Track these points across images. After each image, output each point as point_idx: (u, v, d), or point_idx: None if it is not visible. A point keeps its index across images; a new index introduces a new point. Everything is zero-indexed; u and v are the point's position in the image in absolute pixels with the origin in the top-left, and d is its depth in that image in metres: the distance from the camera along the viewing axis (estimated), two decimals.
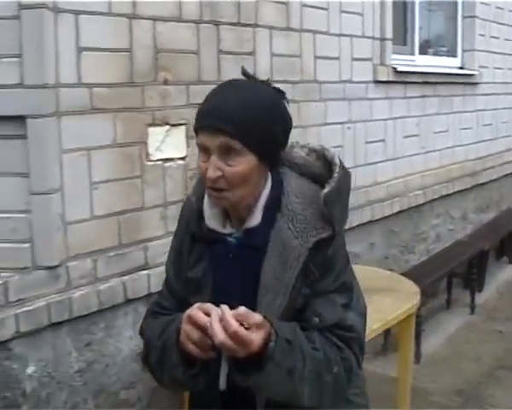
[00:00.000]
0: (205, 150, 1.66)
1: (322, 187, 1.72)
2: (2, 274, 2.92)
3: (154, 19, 3.33)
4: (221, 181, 1.64)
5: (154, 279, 3.28)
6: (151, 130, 3.33)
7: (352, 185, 1.82)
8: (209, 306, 1.57)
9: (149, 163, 3.32)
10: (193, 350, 1.59)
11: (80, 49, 3.03)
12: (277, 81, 3.89)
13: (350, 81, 4.85)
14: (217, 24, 3.64)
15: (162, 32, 3.36)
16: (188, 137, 3.49)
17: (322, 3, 4.49)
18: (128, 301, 3.24)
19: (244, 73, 1.77)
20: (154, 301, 2.01)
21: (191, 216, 1.82)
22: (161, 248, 3.30)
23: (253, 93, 1.68)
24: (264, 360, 1.54)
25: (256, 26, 3.90)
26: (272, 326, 1.56)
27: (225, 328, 1.46)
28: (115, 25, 3.17)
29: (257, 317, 1.52)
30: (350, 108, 4.87)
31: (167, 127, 3.40)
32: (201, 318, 1.55)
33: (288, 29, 4.18)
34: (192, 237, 1.80)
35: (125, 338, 3.29)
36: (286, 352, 1.57)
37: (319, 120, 4.51)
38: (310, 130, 4.36)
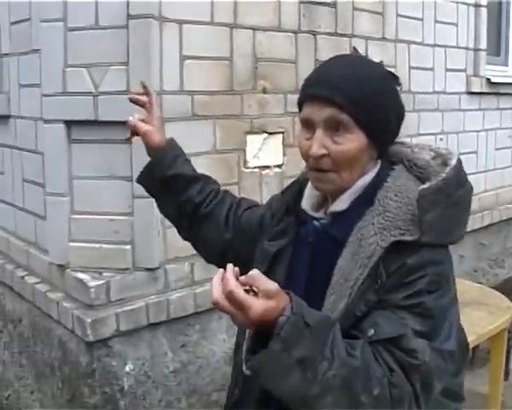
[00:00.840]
0: (308, 125, 1.47)
1: None
2: (105, 274, 3.02)
3: (254, 28, 3.38)
4: (326, 161, 1.44)
5: None
6: (249, 137, 3.38)
7: None
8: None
9: (247, 170, 3.37)
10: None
11: (183, 58, 3.11)
12: None
13: (443, 92, 4.79)
14: (314, 34, 3.67)
15: (261, 41, 3.41)
16: (284, 146, 3.52)
17: (417, 13, 4.46)
18: None
19: (355, 50, 1.64)
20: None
21: (293, 188, 1.66)
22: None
23: (366, 67, 1.49)
24: (270, 337, 1.23)
25: (352, 36, 3.90)
26: (291, 302, 1.26)
27: (223, 286, 1.22)
28: (217, 34, 3.24)
29: (270, 285, 1.24)
30: (443, 118, 4.82)
31: (265, 135, 3.45)
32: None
33: (384, 39, 4.17)
34: (286, 210, 1.63)
35: (219, 341, 3.35)
36: (301, 336, 1.23)
37: (412, 130, 4.47)
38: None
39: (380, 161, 1.55)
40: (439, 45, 4.71)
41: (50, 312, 3.30)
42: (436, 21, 4.67)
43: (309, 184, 1.59)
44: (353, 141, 1.43)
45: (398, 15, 4.26)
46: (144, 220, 3.01)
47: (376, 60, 1.58)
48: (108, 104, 3.01)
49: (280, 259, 1.57)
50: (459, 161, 1.48)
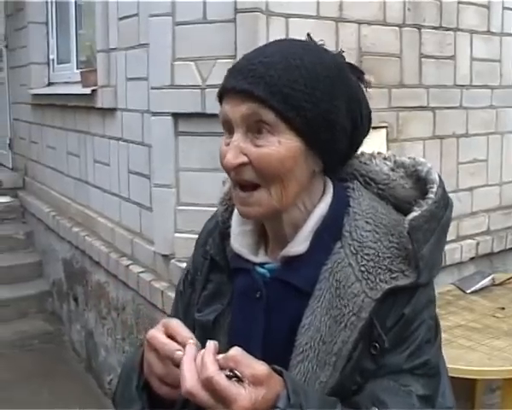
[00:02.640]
0: (228, 128, 1.14)
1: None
2: None
3: (360, 22, 3.35)
4: (247, 171, 1.11)
5: None
6: None
7: None
8: (177, 325, 1.09)
9: None
10: (159, 388, 1.10)
11: None
12: (477, 86, 3.84)
13: None
14: (419, 28, 3.61)
15: (367, 34, 3.38)
16: (388, 140, 3.48)
17: None
18: None
19: (309, 37, 1.29)
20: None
21: (212, 234, 1.30)
22: None
23: (308, 52, 1.16)
24: None
25: (457, 29, 3.82)
26: (285, 386, 1.00)
27: (200, 370, 0.97)
28: (323, 27, 3.22)
29: (258, 367, 0.99)
30: None
31: None
32: (162, 344, 1.07)
33: (489, 33, 4.05)
34: (210, 264, 1.27)
35: None
36: None
37: None
38: (507, 136, 4.21)
39: (328, 179, 1.22)
40: None
41: (155, 301, 3.37)
42: None
43: (236, 217, 1.25)
44: (281, 145, 1.10)
45: (504, 8, 4.14)
46: None
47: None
48: (215, 97, 3.03)
49: (216, 328, 1.21)
50: (437, 173, 1.20)
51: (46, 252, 5.83)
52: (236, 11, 3.03)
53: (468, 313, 3.32)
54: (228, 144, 1.12)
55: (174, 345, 1.05)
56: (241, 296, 1.21)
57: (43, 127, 5.83)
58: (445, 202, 1.17)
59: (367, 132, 1.26)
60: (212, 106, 3.05)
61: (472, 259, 3.88)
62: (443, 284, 3.71)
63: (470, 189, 3.91)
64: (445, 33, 3.74)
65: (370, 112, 1.26)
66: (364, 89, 1.25)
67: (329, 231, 1.16)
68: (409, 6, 3.53)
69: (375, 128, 3.37)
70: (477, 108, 3.87)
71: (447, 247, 3.72)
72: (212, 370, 0.96)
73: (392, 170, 1.24)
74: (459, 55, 3.82)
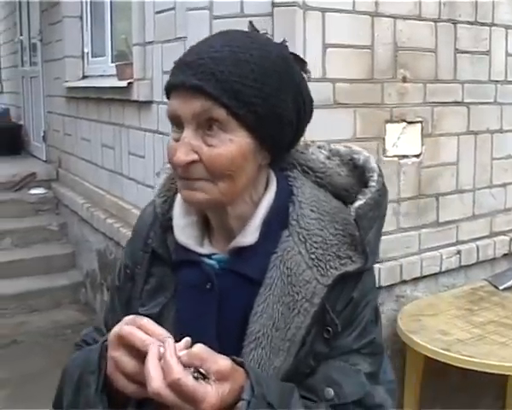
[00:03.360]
0: (177, 123, 1.14)
1: (347, 203, 1.23)
2: None
3: (395, 17, 3.35)
4: (197, 168, 1.11)
5: (384, 273, 3.32)
6: (389, 126, 3.37)
7: None
8: (150, 323, 1.06)
9: (386, 158, 3.36)
10: (126, 387, 1.05)
11: (326, 46, 3.13)
12: (511, 82, 3.82)
13: None
14: (454, 23, 3.60)
15: (402, 29, 3.38)
16: (423, 135, 3.49)
17: None
18: None
19: (251, 25, 1.27)
20: (84, 332, 1.43)
21: (153, 227, 1.28)
22: (392, 243, 3.35)
23: (255, 46, 1.14)
24: None
25: (492, 24, 3.81)
26: (248, 378, 1.03)
27: (165, 372, 0.96)
28: (358, 22, 3.24)
29: (223, 363, 1.00)
30: None
31: (404, 124, 3.42)
32: (140, 338, 1.03)
33: None
34: (151, 257, 1.25)
35: None
36: None
37: None
38: None
39: (270, 169, 1.24)
40: None
41: None
42: None
43: (179, 209, 1.25)
44: (232, 143, 1.10)
45: None
46: None
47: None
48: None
49: (161, 321, 1.15)
50: (375, 161, 1.27)
51: (79, 243, 5.91)
52: (273, 5, 3.06)
53: (501, 309, 3.34)
54: (177, 140, 1.12)
55: (155, 341, 1.02)
56: (189, 288, 1.21)
57: (78, 120, 5.91)
58: (384, 190, 1.24)
59: (309, 121, 1.26)
60: None
61: (505, 255, 3.89)
62: (476, 280, 3.72)
63: (504, 185, 3.90)
64: (480, 28, 3.74)
65: (312, 100, 1.25)
66: (306, 78, 1.25)
67: (277, 221, 1.18)
68: (444, 1, 3.53)
69: (409, 123, 3.43)
70: None
71: (480, 242, 3.74)
72: (177, 371, 0.95)
73: (328, 158, 1.28)
74: (494, 50, 3.81)
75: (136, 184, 4.44)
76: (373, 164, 1.25)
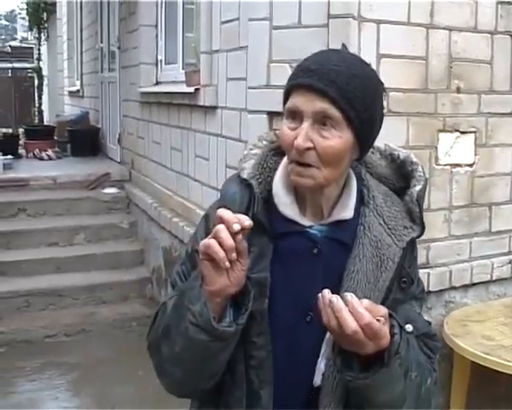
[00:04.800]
0: (295, 116, 1.38)
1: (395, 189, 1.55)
2: None
3: (450, 28, 3.44)
4: (310, 155, 1.35)
5: (434, 278, 3.41)
6: (441, 135, 3.45)
7: None
8: (228, 212, 1.28)
9: (438, 167, 3.45)
10: (215, 249, 1.25)
11: (380, 56, 3.25)
12: None
13: None
14: (511, 34, 3.66)
15: (457, 41, 3.46)
16: (476, 145, 3.55)
17: None
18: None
19: (344, 47, 1.52)
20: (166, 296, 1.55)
21: (254, 203, 1.44)
22: (443, 250, 3.45)
23: (359, 64, 1.41)
24: (391, 356, 1.28)
25: None
26: (395, 319, 1.31)
27: (358, 318, 1.22)
28: (413, 34, 3.34)
29: (383, 309, 1.28)
30: None
31: (457, 134, 3.50)
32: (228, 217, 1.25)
33: None
34: (254, 228, 1.35)
35: None
36: (407, 349, 1.32)
37: None
38: None
39: None
40: None
41: None
42: None
43: (279, 191, 1.47)
44: (341, 139, 1.35)
45: None
46: None
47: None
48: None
49: (274, 282, 1.41)
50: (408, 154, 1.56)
51: (148, 241, 6.17)
52: (329, 17, 3.20)
53: None
54: (293, 129, 1.37)
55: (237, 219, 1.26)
56: (293, 255, 1.44)
57: (150, 123, 6.17)
58: (427, 179, 1.55)
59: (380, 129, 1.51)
60: None
61: None
62: None
63: None
64: None
65: (384, 113, 1.49)
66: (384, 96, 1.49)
67: (359, 201, 1.48)
68: (501, 13, 3.58)
69: (463, 133, 3.50)
70: None
71: None
72: (368, 316, 1.22)
73: (372, 153, 1.56)
74: None
75: (201, 186, 4.63)
76: (415, 159, 1.54)
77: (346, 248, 1.45)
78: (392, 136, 3.28)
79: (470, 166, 3.57)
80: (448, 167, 3.49)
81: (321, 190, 1.42)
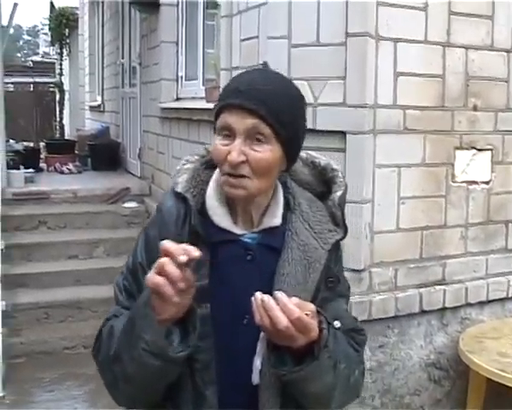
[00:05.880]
0: (227, 133, 1.47)
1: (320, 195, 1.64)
2: None
3: (467, 47, 3.48)
4: (243, 167, 1.45)
5: (450, 295, 3.44)
6: (458, 153, 3.49)
7: None
8: (174, 245, 1.30)
9: (454, 184, 3.48)
10: (164, 288, 1.28)
11: (397, 74, 3.29)
12: None
13: None
14: None
15: (474, 59, 3.50)
16: (493, 163, 3.58)
17: None
18: (422, 312, 3.42)
19: (265, 65, 1.62)
20: (106, 316, 1.61)
21: (189, 215, 1.53)
22: (459, 267, 3.48)
23: (283, 83, 1.53)
24: (320, 349, 1.38)
25: None
26: (323, 315, 1.42)
27: (288, 313, 1.32)
28: (430, 52, 3.39)
29: (311, 305, 1.40)
30: None
31: (473, 151, 3.53)
32: (174, 250, 1.28)
33: None
34: (192, 240, 1.44)
35: (416, 347, 3.47)
36: (335, 343, 1.44)
37: None
38: None
39: None
40: None
41: None
42: None
43: (212, 202, 1.55)
44: (271, 152, 1.46)
45: None
46: (353, 224, 3.21)
47: None
48: (326, 115, 3.27)
49: (213, 289, 1.48)
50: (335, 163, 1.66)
51: None
52: (347, 35, 3.25)
53: None
54: (225, 145, 1.46)
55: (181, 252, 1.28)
56: (229, 262, 1.54)
57: (170, 138, 6.25)
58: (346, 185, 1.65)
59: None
60: (323, 123, 3.28)
61: None
62: None
63: None
64: None
65: (306, 125, 1.59)
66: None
67: (285, 208, 1.58)
68: None
69: (480, 150, 3.54)
70: None
71: None
72: (297, 311, 1.32)
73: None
74: None
75: None
76: (335, 166, 1.65)
77: (277, 252, 1.55)
78: (408, 153, 3.35)
79: (487, 183, 3.59)
80: (464, 185, 3.52)
81: (252, 200, 1.52)
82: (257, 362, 1.47)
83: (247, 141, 1.46)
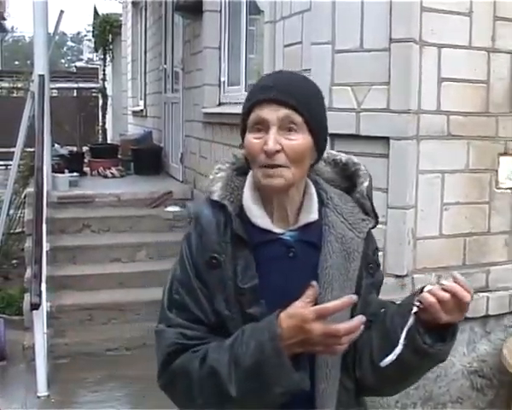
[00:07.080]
0: (260, 127, 1.54)
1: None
2: None
3: None
4: (280, 156, 1.52)
5: (493, 302, 3.41)
6: (502, 159, 3.47)
7: None
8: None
9: (498, 191, 3.46)
10: (316, 328, 1.41)
11: (441, 80, 3.29)
12: None
13: None
14: None
15: None
16: None
17: None
18: (465, 319, 3.36)
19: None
20: (167, 343, 1.59)
21: (229, 221, 1.57)
22: (502, 274, 3.45)
23: (305, 80, 1.65)
24: (455, 329, 1.52)
25: None
26: None
27: (468, 290, 1.44)
28: (475, 57, 3.38)
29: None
30: None
31: None
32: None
33: None
34: (234, 244, 1.55)
35: (459, 354, 3.46)
36: None
37: None
38: None
39: None
40: None
41: None
42: None
43: (250, 205, 1.60)
44: (304, 140, 1.53)
45: None
46: (396, 229, 3.22)
47: None
48: (369, 120, 3.28)
49: (262, 288, 1.55)
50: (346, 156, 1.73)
51: None
52: (391, 41, 3.26)
53: None
54: (259, 138, 1.54)
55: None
56: (272, 260, 1.58)
57: (213, 143, 6.30)
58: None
59: None
60: (367, 128, 3.30)
61: None
62: None
63: None
64: None
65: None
66: None
67: (319, 203, 1.64)
68: None
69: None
70: None
71: None
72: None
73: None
74: None
75: None
76: (356, 160, 1.70)
77: (316, 247, 1.60)
78: (452, 159, 3.34)
79: None
80: (509, 191, 3.50)
81: (286, 193, 1.58)
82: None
83: (280, 132, 1.53)
